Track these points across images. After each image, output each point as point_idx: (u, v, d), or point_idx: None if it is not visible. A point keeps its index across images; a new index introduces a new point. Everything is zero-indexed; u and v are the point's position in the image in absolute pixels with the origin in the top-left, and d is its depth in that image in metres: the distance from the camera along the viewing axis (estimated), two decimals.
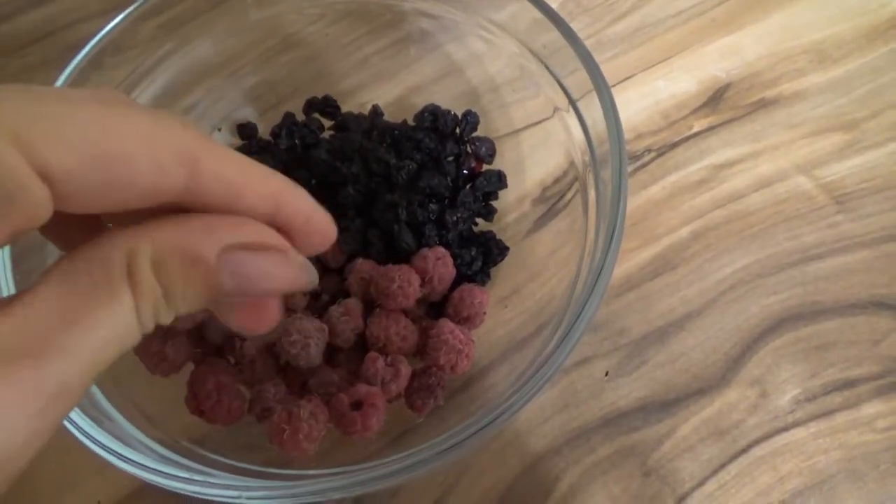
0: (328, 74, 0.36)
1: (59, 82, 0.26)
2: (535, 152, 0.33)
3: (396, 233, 0.28)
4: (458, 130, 0.32)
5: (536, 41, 0.30)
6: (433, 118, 0.31)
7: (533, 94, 0.32)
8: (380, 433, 0.24)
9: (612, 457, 0.28)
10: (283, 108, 0.33)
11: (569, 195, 0.31)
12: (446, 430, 0.22)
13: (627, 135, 0.35)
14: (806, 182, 0.34)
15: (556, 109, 0.31)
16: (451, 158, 0.31)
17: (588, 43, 0.37)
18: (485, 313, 0.27)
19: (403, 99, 0.35)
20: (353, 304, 0.26)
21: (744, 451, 0.28)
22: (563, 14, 0.31)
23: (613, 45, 0.38)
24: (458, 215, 0.29)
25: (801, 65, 0.37)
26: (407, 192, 0.29)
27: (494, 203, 0.32)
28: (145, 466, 0.21)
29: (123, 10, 0.29)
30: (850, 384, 0.29)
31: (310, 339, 0.24)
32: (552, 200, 0.32)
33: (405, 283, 0.25)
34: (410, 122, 0.32)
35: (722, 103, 0.36)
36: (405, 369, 0.25)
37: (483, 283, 0.30)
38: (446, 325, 0.25)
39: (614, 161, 0.25)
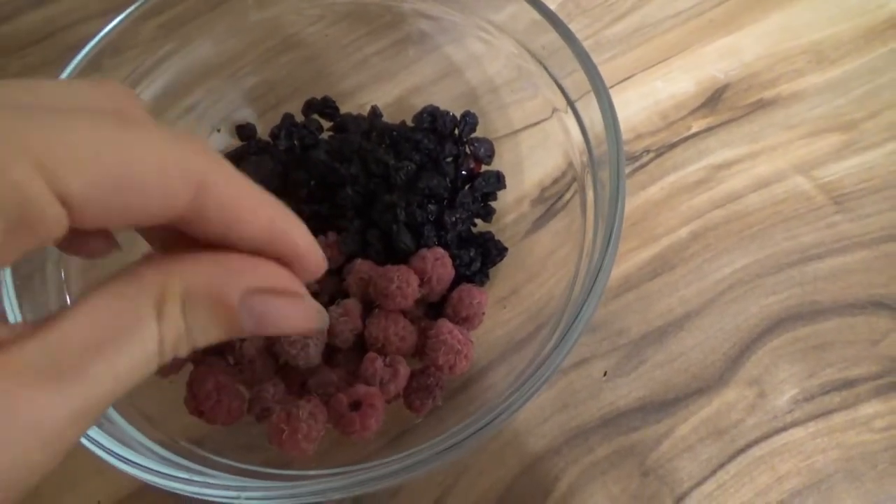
0: (327, 75, 0.36)
1: None
2: (533, 153, 0.33)
3: (395, 233, 0.28)
4: (456, 131, 0.32)
5: (535, 42, 0.31)
6: (432, 119, 0.32)
7: (531, 94, 0.32)
8: (378, 433, 0.24)
9: (611, 457, 0.28)
10: (283, 109, 0.34)
11: (567, 196, 0.31)
12: (445, 431, 0.22)
13: (626, 135, 0.35)
14: (804, 182, 0.34)
15: (554, 110, 0.31)
16: (449, 159, 0.31)
17: (587, 44, 0.37)
18: (483, 314, 0.27)
19: (402, 100, 0.35)
20: (352, 304, 0.26)
21: (742, 450, 0.28)
22: (562, 15, 0.31)
23: (612, 46, 0.38)
24: (457, 216, 0.29)
25: (800, 65, 0.37)
26: (406, 193, 0.29)
27: (493, 204, 0.32)
28: (145, 467, 0.21)
29: (123, 10, 0.29)
30: (848, 384, 0.29)
31: (309, 339, 0.24)
32: (550, 201, 0.32)
33: (404, 284, 0.25)
34: (409, 123, 0.32)
35: (720, 104, 0.36)
36: (404, 370, 0.25)
37: (482, 284, 0.30)
38: (445, 325, 0.25)
39: (612, 162, 0.25)
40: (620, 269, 0.32)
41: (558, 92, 0.30)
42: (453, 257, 0.28)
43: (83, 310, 0.13)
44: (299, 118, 0.34)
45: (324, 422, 0.23)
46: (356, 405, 0.24)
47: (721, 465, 0.28)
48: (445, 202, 0.30)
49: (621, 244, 0.32)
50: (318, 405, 0.23)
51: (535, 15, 0.29)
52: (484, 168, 0.32)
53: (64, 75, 0.27)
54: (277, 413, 0.23)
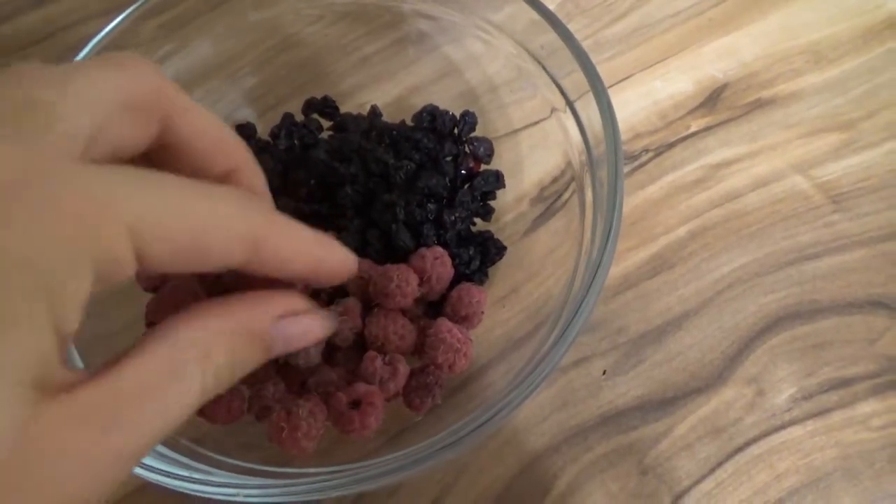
0: (327, 75, 0.36)
1: None
2: (532, 152, 0.33)
3: (394, 232, 0.28)
4: (456, 131, 0.32)
5: (534, 42, 0.31)
6: (431, 118, 0.32)
7: (530, 94, 0.33)
8: (378, 432, 0.24)
9: (610, 455, 0.28)
10: (282, 109, 0.34)
11: (566, 195, 0.31)
12: (444, 429, 0.22)
13: (625, 135, 0.36)
14: (802, 182, 0.34)
15: (553, 110, 0.31)
16: (449, 158, 0.31)
17: (586, 44, 0.37)
18: (483, 312, 0.27)
19: (402, 99, 0.35)
20: (352, 303, 0.27)
21: (741, 449, 0.28)
22: (561, 15, 0.31)
23: (611, 46, 0.38)
24: (456, 215, 0.29)
25: (798, 65, 0.37)
26: (405, 192, 0.29)
27: (492, 203, 0.32)
28: (145, 465, 0.21)
29: (123, 10, 0.29)
30: (846, 383, 0.29)
31: None
32: (550, 200, 0.32)
33: (403, 283, 0.25)
34: (409, 122, 0.32)
35: (719, 103, 0.36)
36: (403, 368, 0.25)
37: (481, 283, 0.30)
38: (444, 324, 0.25)
39: (611, 161, 0.25)
40: (619, 267, 0.32)
41: (557, 92, 0.30)
42: (452, 256, 0.28)
43: (135, 360, 0.14)
44: (299, 118, 0.34)
45: (323, 420, 0.23)
46: (356, 404, 0.24)
47: (719, 464, 0.28)
48: (445, 201, 0.30)
49: (620, 243, 0.32)
50: (317, 404, 0.23)
51: (534, 15, 0.29)
52: (483, 167, 0.32)
53: None
54: (277, 412, 0.23)
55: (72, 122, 0.14)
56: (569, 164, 0.31)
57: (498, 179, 0.32)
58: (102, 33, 0.28)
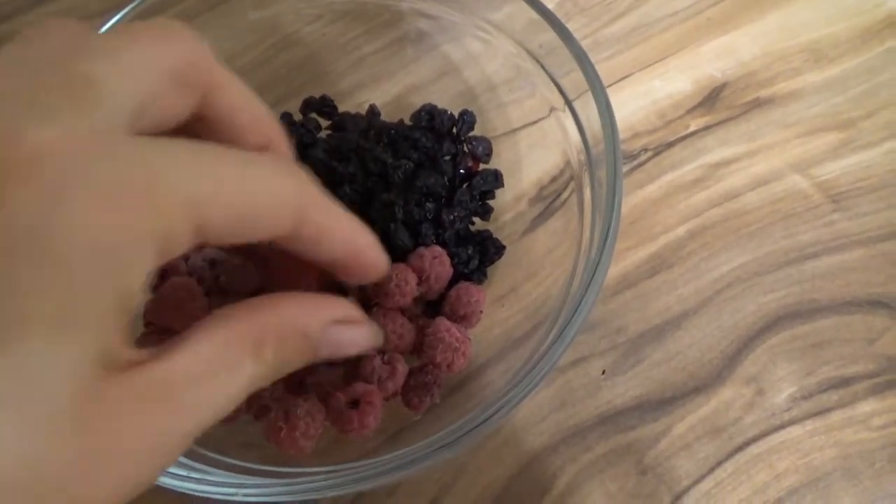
0: (326, 74, 0.36)
1: None
2: (531, 152, 0.33)
3: (393, 232, 0.28)
4: (454, 130, 0.32)
5: (533, 41, 0.31)
6: (430, 118, 0.32)
7: (529, 93, 0.33)
8: (377, 431, 0.24)
9: (609, 455, 0.28)
10: (281, 108, 0.34)
11: (565, 194, 0.31)
12: (443, 428, 0.22)
13: (624, 134, 0.36)
14: (802, 181, 0.34)
15: (552, 109, 0.31)
16: (447, 158, 0.31)
17: (585, 43, 0.37)
18: (481, 312, 0.27)
19: (401, 98, 0.35)
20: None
21: (740, 448, 0.28)
22: (560, 14, 0.31)
23: (610, 45, 0.38)
24: (455, 214, 0.29)
25: (797, 64, 0.37)
26: (403, 192, 0.29)
27: (491, 202, 0.32)
28: None
29: (121, 10, 0.29)
30: (845, 382, 0.29)
31: None
32: (549, 199, 0.32)
33: (402, 282, 0.25)
34: (407, 121, 0.32)
35: (718, 103, 0.36)
36: (402, 367, 0.25)
37: (479, 282, 0.30)
38: (443, 323, 0.25)
39: (609, 160, 0.25)
40: (618, 267, 0.32)
41: (556, 91, 0.30)
42: (451, 255, 0.28)
43: (192, 346, 0.14)
44: (297, 117, 0.34)
45: (322, 420, 0.23)
46: (354, 403, 0.24)
47: (719, 463, 0.28)
48: (443, 200, 0.30)
49: (619, 243, 0.32)
50: (315, 403, 0.23)
51: (533, 14, 0.29)
52: (482, 166, 0.32)
53: None
54: (275, 411, 0.23)
55: (121, 95, 0.14)
56: (567, 163, 0.31)
57: (497, 179, 0.32)
58: (101, 32, 0.28)
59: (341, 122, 0.33)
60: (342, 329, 0.18)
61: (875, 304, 0.31)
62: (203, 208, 0.14)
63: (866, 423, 0.29)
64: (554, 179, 0.32)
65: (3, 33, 0.40)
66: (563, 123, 0.30)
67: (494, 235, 0.30)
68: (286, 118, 0.33)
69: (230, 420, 0.25)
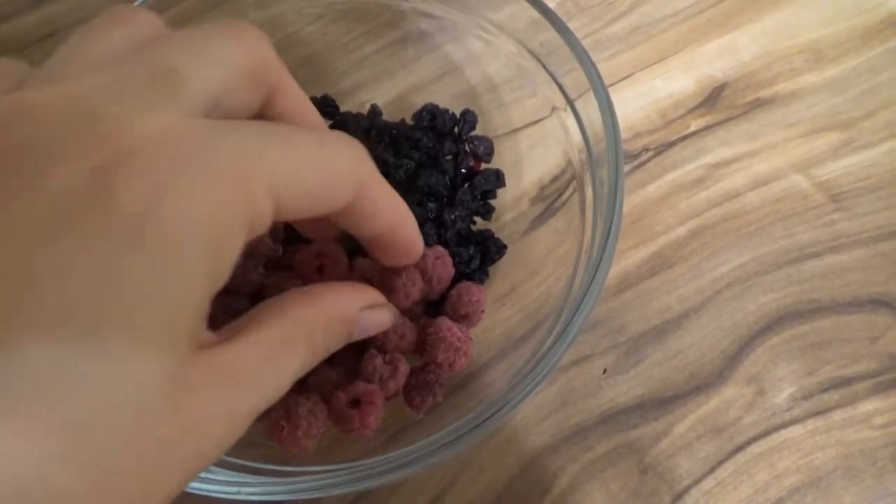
0: (327, 74, 0.36)
1: None
2: (533, 151, 0.33)
3: None
4: (456, 129, 0.32)
5: (534, 41, 0.31)
6: (431, 117, 0.32)
7: (531, 93, 0.33)
8: (378, 430, 0.24)
9: (610, 454, 0.28)
10: None
11: (566, 194, 0.31)
12: (444, 427, 0.22)
13: (625, 134, 0.36)
14: (802, 181, 0.34)
15: (553, 109, 0.31)
16: (449, 157, 0.31)
17: (586, 42, 0.37)
18: (482, 311, 0.27)
19: (402, 98, 0.35)
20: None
21: (741, 448, 0.28)
22: (561, 13, 0.31)
23: (611, 45, 0.38)
24: (456, 214, 0.29)
25: (797, 64, 0.37)
26: (405, 191, 0.29)
27: (492, 202, 0.32)
28: None
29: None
30: (846, 382, 0.29)
31: None
32: (550, 199, 0.32)
33: (408, 282, 0.25)
34: (409, 121, 0.32)
35: (719, 103, 0.36)
36: (403, 367, 0.25)
37: (481, 282, 0.30)
38: (444, 322, 0.25)
39: (611, 160, 0.25)
40: (619, 266, 0.32)
41: (557, 90, 0.30)
42: (452, 255, 0.28)
43: (255, 331, 0.15)
44: None
45: (323, 419, 0.23)
46: (356, 402, 0.24)
47: (720, 463, 0.28)
48: (445, 200, 0.30)
49: (620, 242, 0.32)
50: (317, 402, 0.23)
51: (535, 14, 0.29)
52: (483, 166, 0.32)
53: None
54: (277, 410, 0.23)
55: (200, 86, 0.14)
56: (569, 162, 0.31)
57: (498, 178, 0.32)
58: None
59: (343, 122, 0.33)
60: (372, 314, 0.20)
61: (876, 303, 0.31)
62: (283, 187, 0.14)
63: (868, 422, 0.29)
64: (555, 179, 0.32)
65: (3, 33, 0.40)
66: (564, 123, 0.30)
67: (496, 235, 0.30)
68: None
69: None
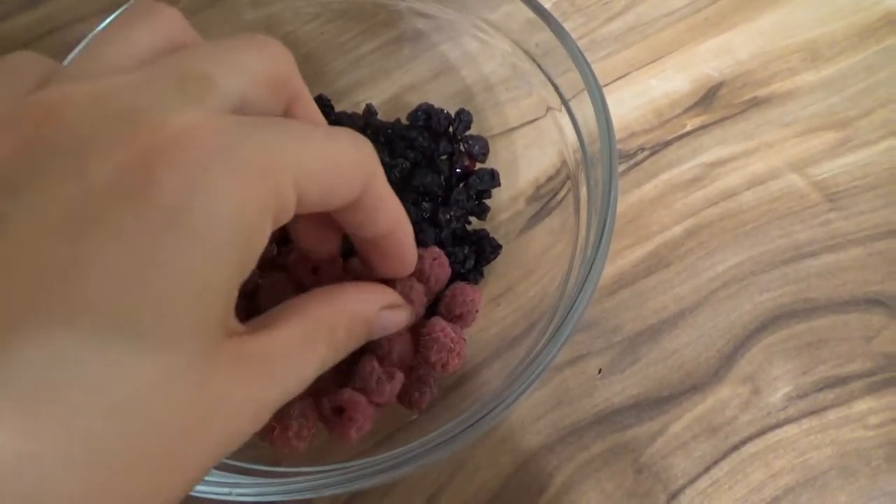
0: (323, 74, 0.36)
1: None
2: (528, 151, 0.33)
3: None
4: (451, 129, 0.32)
5: (529, 41, 0.31)
6: (426, 117, 0.32)
7: (526, 93, 0.33)
8: (372, 431, 0.24)
9: (605, 454, 0.28)
10: None
11: (562, 194, 0.31)
12: (438, 427, 0.22)
13: (621, 133, 0.36)
14: (798, 180, 0.34)
15: (548, 108, 0.31)
16: (444, 157, 0.31)
17: (581, 42, 0.37)
18: (477, 311, 0.27)
19: (397, 98, 0.35)
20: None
21: (736, 447, 0.28)
22: (556, 13, 0.31)
23: (607, 45, 0.38)
24: (451, 213, 0.29)
25: (794, 64, 0.37)
26: (400, 191, 0.29)
27: (488, 201, 0.32)
28: None
29: (118, 9, 0.29)
30: (842, 381, 0.29)
31: None
32: (545, 199, 0.32)
33: (407, 289, 0.25)
34: (404, 120, 0.32)
35: (715, 102, 0.36)
36: (399, 374, 0.25)
37: (476, 282, 0.30)
38: (438, 323, 0.25)
39: (605, 159, 0.25)
40: (615, 266, 0.32)
41: (553, 90, 0.30)
42: (447, 255, 0.28)
43: (279, 326, 0.16)
44: None
45: (315, 420, 0.23)
46: (339, 410, 0.23)
47: (715, 462, 0.28)
48: (440, 200, 0.30)
49: (616, 242, 0.32)
50: (309, 404, 0.23)
51: (530, 13, 0.29)
52: (478, 166, 0.32)
53: None
54: None
55: (224, 90, 0.15)
56: (564, 162, 0.31)
57: (493, 178, 0.32)
58: (97, 31, 0.28)
59: (338, 122, 0.33)
60: (391, 314, 0.21)
61: (872, 302, 0.31)
62: (304, 180, 0.15)
63: (863, 422, 0.29)
64: (550, 178, 0.32)
65: (1, 32, 0.40)
66: (559, 123, 0.30)
67: (491, 235, 0.30)
68: None
69: None
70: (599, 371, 0.30)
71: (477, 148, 0.32)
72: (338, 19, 0.36)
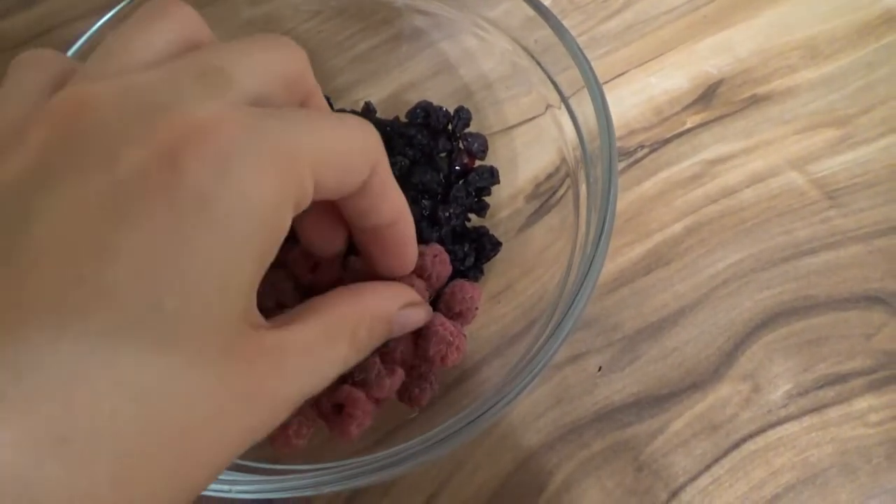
0: (322, 72, 0.36)
1: None
2: (527, 149, 0.33)
3: None
4: (450, 127, 0.32)
5: (529, 38, 0.31)
6: (425, 115, 0.31)
7: (525, 90, 0.33)
8: (372, 429, 0.24)
9: (606, 452, 0.28)
10: None
11: (561, 191, 0.31)
12: (439, 425, 0.22)
13: (620, 131, 0.35)
14: (798, 178, 0.34)
15: (548, 106, 0.31)
16: (443, 155, 0.31)
17: (581, 40, 0.37)
18: (477, 309, 0.27)
19: (396, 96, 0.35)
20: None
21: (736, 445, 0.28)
22: (556, 11, 0.31)
23: (606, 42, 0.38)
24: (451, 211, 0.29)
25: (793, 61, 0.37)
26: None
27: (487, 199, 0.32)
28: None
29: (114, 7, 0.29)
30: (842, 378, 0.29)
31: None
32: (545, 196, 0.32)
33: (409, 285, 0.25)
34: (403, 118, 0.32)
35: (714, 99, 0.36)
36: (400, 371, 0.25)
37: (476, 279, 0.30)
38: (437, 317, 0.25)
39: (605, 157, 0.25)
40: (615, 264, 0.32)
41: (552, 88, 0.30)
42: (447, 252, 0.28)
43: (300, 324, 0.16)
44: None
45: (314, 418, 0.23)
46: (338, 407, 0.23)
47: (715, 460, 0.28)
48: (439, 197, 0.30)
49: (615, 239, 0.32)
50: (309, 402, 0.23)
51: (529, 11, 0.29)
52: (478, 163, 0.32)
53: None
54: None
55: (243, 85, 0.15)
56: (563, 160, 0.31)
57: (492, 175, 0.31)
58: (93, 30, 0.28)
59: None
60: (411, 312, 0.21)
61: (872, 299, 0.31)
62: (321, 167, 0.15)
63: (863, 420, 0.28)
64: (550, 176, 0.32)
65: None
66: (558, 120, 0.30)
67: (490, 232, 0.30)
68: None
69: None
70: (599, 369, 0.30)
71: (476, 145, 0.32)
72: (336, 17, 0.36)
